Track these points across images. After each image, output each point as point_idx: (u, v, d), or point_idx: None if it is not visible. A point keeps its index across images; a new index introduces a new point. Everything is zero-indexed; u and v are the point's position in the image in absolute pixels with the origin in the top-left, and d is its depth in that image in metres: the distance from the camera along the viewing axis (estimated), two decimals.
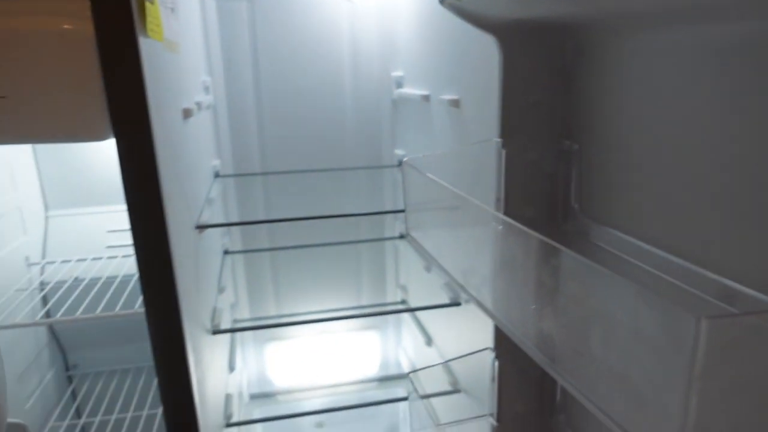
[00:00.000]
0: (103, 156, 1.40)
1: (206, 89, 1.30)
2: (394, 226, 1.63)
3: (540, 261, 0.47)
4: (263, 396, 1.66)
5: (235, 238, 1.55)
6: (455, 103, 1.03)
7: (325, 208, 1.54)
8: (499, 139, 0.67)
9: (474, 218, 0.58)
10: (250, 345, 1.66)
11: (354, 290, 1.68)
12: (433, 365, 0.83)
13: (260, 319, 1.63)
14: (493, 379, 0.78)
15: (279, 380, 1.67)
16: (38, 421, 1.27)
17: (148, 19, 0.73)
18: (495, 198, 0.74)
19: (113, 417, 1.37)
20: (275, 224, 1.53)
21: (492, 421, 0.81)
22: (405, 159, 0.67)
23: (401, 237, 1.60)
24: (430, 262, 0.63)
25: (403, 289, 1.65)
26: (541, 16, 0.60)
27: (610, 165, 0.62)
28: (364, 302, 1.69)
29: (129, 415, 1.35)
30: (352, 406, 1.33)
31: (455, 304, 1.15)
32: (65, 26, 0.72)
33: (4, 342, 1.15)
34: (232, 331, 1.32)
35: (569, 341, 0.44)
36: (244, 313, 1.62)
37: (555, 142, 0.67)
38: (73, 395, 1.45)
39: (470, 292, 0.53)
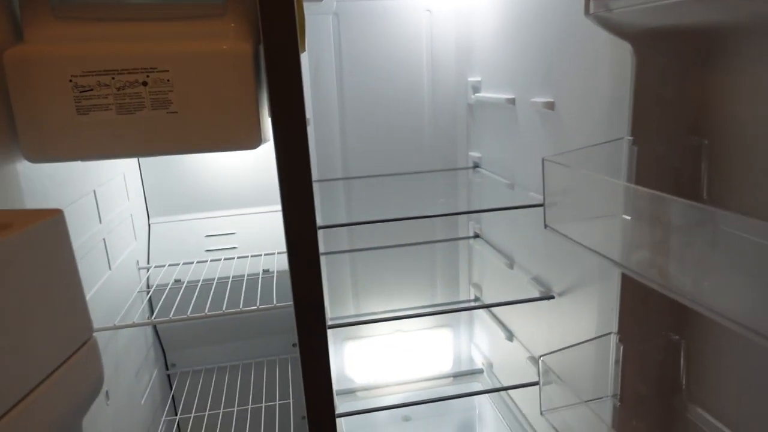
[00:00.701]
0: (199, 166, 1.49)
1: None
2: (467, 226, 1.69)
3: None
4: (344, 393, 1.73)
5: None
6: (549, 106, 1.08)
7: (403, 209, 1.60)
8: (630, 137, 0.73)
9: (621, 205, 0.63)
10: (330, 343, 1.73)
11: (428, 289, 1.74)
12: (562, 348, 0.88)
13: (341, 318, 1.70)
14: (617, 361, 0.83)
15: (358, 377, 1.74)
16: (149, 417, 1.36)
17: (302, 30, 0.80)
18: None
19: (206, 413, 1.44)
20: (355, 227, 1.60)
21: (615, 402, 0.86)
22: (544, 157, 0.72)
23: (475, 236, 1.66)
24: (575, 247, 0.68)
25: (477, 287, 1.70)
26: (678, 22, 0.65)
27: (738, 160, 0.67)
28: (439, 300, 1.75)
29: (221, 411, 1.43)
30: (442, 398, 1.39)
31: (548, 297, 1.20)
32: (225, 47, 0.80)
33: (124, 341, 1.24)
34: (343, 326, 1.39)
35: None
36: (327, 315, 1.69)
37: (683, 138, 0.72)
38: (172, 393, 1.53)
39: (633, 269, 0.58)
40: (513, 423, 1.41)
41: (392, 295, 1.72)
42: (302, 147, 0.77)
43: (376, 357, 1.74)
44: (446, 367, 1.78)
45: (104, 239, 1.16)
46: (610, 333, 0.84)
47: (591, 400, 0.87)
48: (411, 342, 1.76)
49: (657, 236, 0.55)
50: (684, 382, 0.82)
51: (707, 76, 0.70)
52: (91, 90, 0.76)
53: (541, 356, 0.87)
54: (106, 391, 1.07)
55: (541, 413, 0.87)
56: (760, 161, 0.65)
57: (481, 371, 1.73)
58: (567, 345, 1.00)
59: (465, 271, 1.74)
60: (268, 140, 0.86)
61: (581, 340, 0.98)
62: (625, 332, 0.83)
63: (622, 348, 0.82)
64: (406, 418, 1.62)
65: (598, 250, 0.64)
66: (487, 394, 1.61)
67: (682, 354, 0.80)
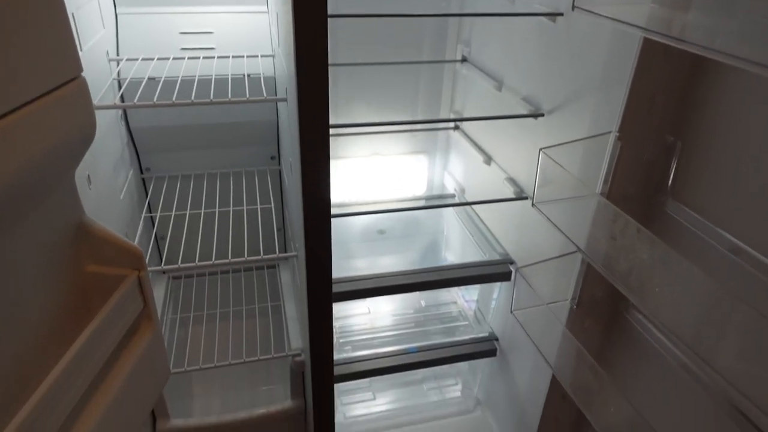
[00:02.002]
0: None
1: None
2: (456, 49, 1.63)
3: None
4: None
5: None
6: None
7: (388, 29, 1.52)
8: (617, 133, 0.78)
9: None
10: None
11: (409, 112, 1.72)
12: (561, 144, 0.91)
13: None
14: (611, 160, 0.87)
15: (333, 196, 1.77)
16: (128, 213, 1.35)
17: None
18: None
19: (187, 212, 1.45)
20: (338, 38, 1.52)
21: (602, 199, 0.91)
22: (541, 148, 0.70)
23: (463, 60, 1.61)
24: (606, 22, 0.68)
25: (457, 114, 1.70)
26: None
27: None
28: (419, 125, 1.75)
29: (202, 211, 1.43)
30: (418, 207, 1.45)
31: (537, 115, 1.21)
32: None
33: (101, 132, 1.18)
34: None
35: None
36: None
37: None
38: (147, 194, 1.52)
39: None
40: (480, 239, 1.50)
41: (370, 116, 1.70)
42: None
43: (351, 178, 1.76)
44: (420, 191, 1.84)
45: (72, 14, 1.05)
46: (610, 132, 0.86)
47: (577, 197, 0.92)
48: (387, 165, 1.78)
49: None
50: (670, 182, 0.87)
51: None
52: None
53: (541, 148, 0.89)
54: (88, 175, 1.04)
55: (533, 204, 0.92)
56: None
57: (453, 196, 1.79)
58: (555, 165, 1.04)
59: (447, 99, 1.72)
60: None
61: (569, 159, 1.02)
62: (624, 131, 0.85)
63: (619, 146, 0.85)
64: (381, 232, 1.70)
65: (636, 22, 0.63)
66: (456, 215, 1.69)
67: (675, 155, 0.84)
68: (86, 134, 0.64)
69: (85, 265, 0.71)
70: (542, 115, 1.20)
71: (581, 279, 1.02)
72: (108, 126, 1.23)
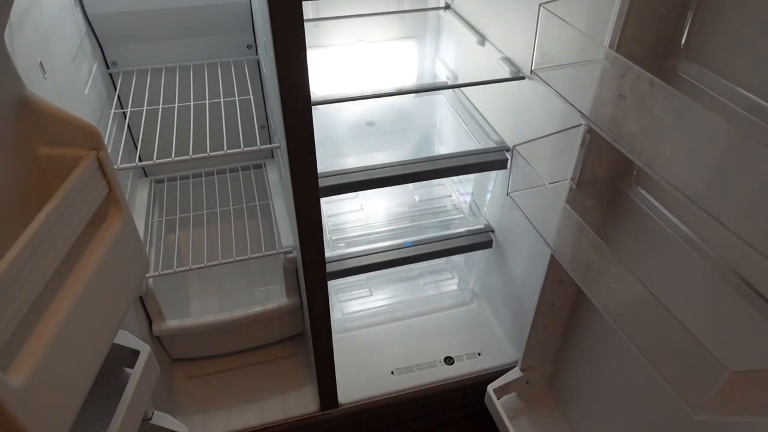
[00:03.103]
0: None
1: None
2: None
3: None
4: None
5: None
6: None
7: None
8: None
9: None
10: None
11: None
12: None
13: None
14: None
15: (317, 89, 1.66)
16: (97, 110, 1.26)
17: None
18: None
19: (160, 107, 1.34)
20: None
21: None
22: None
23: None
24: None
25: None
26: None
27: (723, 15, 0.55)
28: (406, 7, 1.60)
29: (176, 105, 1.33)
30: (406, 91, 1.36)
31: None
32: None
33: (50, 13, 1.06)
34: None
35: None
36: None
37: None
38: (117, 92, 1.41)
39: None
40: (475, 128, 1.42)
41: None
42: None
43: (336, 67, 1.65)
44: (410, 81, 1.73)
45: None
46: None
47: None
48: (374, 53, 1.66)
49: None
50: (684, 39, 0.78)
51: None
52: None
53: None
54: (40, 62, 0.94)
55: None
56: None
57: (445, 83, 1.69)
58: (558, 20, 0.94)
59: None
60: None
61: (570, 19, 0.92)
62: None
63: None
64: (370, 123, 1.61)
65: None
66: (449, 102, 1.59)
67: (691, 6, 0.75)
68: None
69: (35, 147, 0.63)
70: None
71: (582, 157, 0.96)
72: (58, 8, 1.11)
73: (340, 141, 1.64)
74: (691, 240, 0.84)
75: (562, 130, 0.92)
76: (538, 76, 0.82)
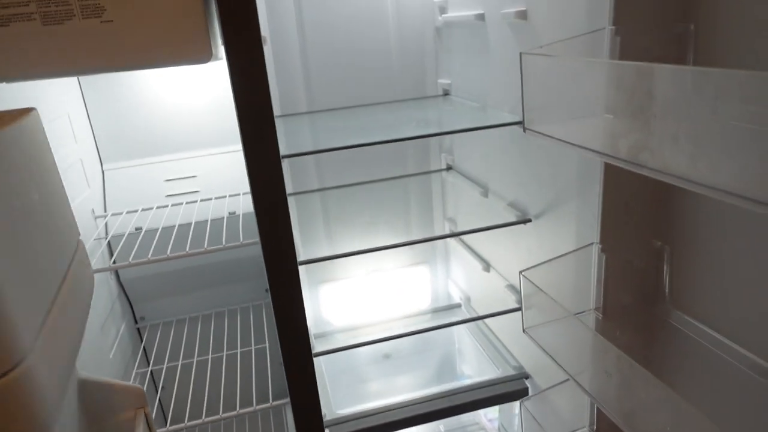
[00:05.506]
0: (153, 106, 1.39)
1: None
2: (440, 158, 1.64)
3: None
4: (323, 336, 1.70)
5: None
6: (521, 15, 1.02)
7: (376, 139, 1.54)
8: (612, 27, 0.68)
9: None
10: (304, 287, 1.69)
11: (403, 227, 1.70)
12: (543, 262, 0.84)
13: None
14: (599, 272, 0.81)
15: (336, 320, 1.71)
16: (120, 371, 1.30)
17: None
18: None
19: (179, 363, 1.39)
20: (324, 164, 1.54)
21: (597, 315, 0.84)
22: (522, 52, 0.67)
23: (448, 168, 1.62)
24: (555, 145, 0.64)
25: (452, 221, 1.67)
26: None
27: (727, 47, 0.63)
28: (414, 237, 1.71)
29: (195, 360, 1.38)
30: (418, 331, 1.36)
31: (525, 221, 1.17)
32: None
33: None
34: (315, 261, 1.33)
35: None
36: (299, 255, 1.64)
37: (669, 25, 0.67)
38: (143, 345, 1.48)
39: (621, 156, 0.54)
40: (493, 353, 1.41)
41: (366, 234, 1.68)
42: (257, 62, 0.70)
43: (353, 298, 1.71)
44: (424, 304, 1.77)
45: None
46: (592, 244, 0.81)
47: (574, 315, 0.85)
48: (388, 281, 1.73)
49: (647, 115, 0.50)
50: (667, 289, 0.80)
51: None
52: None
53: (521, 271, 0.83)
54: None
55: (524, 330, 0.85)
56: (749, 51, 0.61)
57: (459, 306, 1.72)
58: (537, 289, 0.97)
59: (439, 207, 1.71)
60: (221, 58, 0.78)
61: (558, 272, 0.95)
62: (607, 241, 0.80)
63: (604, 258, 0.79)
64: (387, 356, 1.61)
65: (582, 144, 0.60)
66: (466, 327, 1.60)
67: (665, 260, 0.78)
68: (89, 293, 0.65)
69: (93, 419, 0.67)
70: (530, 220, 1.16)
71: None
72: (96, 284, 1.22)
73: (359, 369, 1.64)
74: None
75: (562, 382, 0.89)
76: (529, 336, 0.83)
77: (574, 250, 0.82)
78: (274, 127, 0.74)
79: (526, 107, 0.69)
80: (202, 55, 0.75)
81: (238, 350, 1.35)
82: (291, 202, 1.58)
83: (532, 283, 0.77)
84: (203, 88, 1.40)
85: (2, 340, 0.40)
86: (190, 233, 1.20)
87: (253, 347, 1.34)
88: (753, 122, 0.40)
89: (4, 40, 0.68)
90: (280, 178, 0.78)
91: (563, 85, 0.63)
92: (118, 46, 0.71)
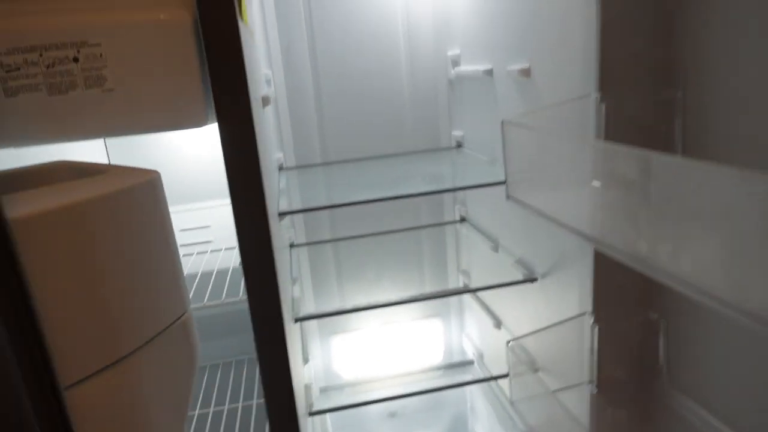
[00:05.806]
0: (166, 159, 1.44)
1: (268, 81, 1.33)
2: (453, 210, 1.63)
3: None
4: (332, 389, 1.68)
5: (298, 231, 1.58)
6: (525, 73, 1.02)
7: (385, 193, 1.55)
8: (597, 94, 0.67)
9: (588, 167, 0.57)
10: (315, 338, 1.68)
11: (416, 279, 1.68)
12: (531, 333, 0.82)
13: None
14: (592, 345, 0.78)
15: (346, 373, 1.69)
16: None
17: (242, 2, 0.75)
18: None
19: (211, 410, 1.39)
20: (337, 215, 1.55)
21: (592, 388, 0.80)
22: (503, 120, 0.67)
23: (461, 220, 1.61)
24: (542, 217, 0.63)
25: (465, 274, 1.65)
26: None
27: (715, 111, 0.62)
28: (427, 290, 1.69)
29: (196, 413, 1.37)
30: (422, 392, 1.33)
31: (531, 280, 1.15)
32: (162, 17, 0.75)
33: None
34: (315, 317, 1.33)
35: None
36: (310, 307, 1.64)
37: (655, 93, 0.66)
38: None
39: (602, 241, 0.53)
40: (502, 414, 1.36)
41: (379, 285, 1.67)
42: (246, 124, 0.72)
43: (364, 351, 1.69)
44: (437, 359, 1.73)
45: None
46: (583, 314, 0.78)
47: (564, 389, 0.82)
48: (400, 334, 1.71)
49: (629, 201, 0.49)
50: (664, 365, 0.76)
51: (679, 20, 0.64)
52: (19, 69, 0.71)
53: (509, 341, 0.81)
54: None
55: (511, 403, 0.81)
56: (738, 111, 0.59)
57: (471, 362, 1.67)
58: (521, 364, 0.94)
59: (453, 259, 1.69)
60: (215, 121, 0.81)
61: (555, 339, 0.91)
62: (599, 312, 0.77)
63: (597, 329, 0.76)
64: (392, 415, 1.57)
65: (566, 222, 0.59)
66: (478, 385, 1.55)
67: (660, 334, 0.75)
68: (192, 368, 0.71)
69: None
70: (536, 279, 1.13)
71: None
72: None
73: (367, 424, 1.60)
74: None
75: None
76: (516, 409, 0.80)
77: (564, 321, 0.80)
78: (262, 190, 0.76)
79: (509, 174, 0.68)
80: (198, 120, 0.78)
81: (240, 404, 1.34)
82: (303, 252, 1.60)
83: (515, 354, 0.74)
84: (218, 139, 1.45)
85: None
86: (195, 285, 1.22)
87: (254, 401, 1.33)
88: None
89: (12, 110, 0.73)
90: (267, 238, 0.79)
91: (543, 157, 0.63)
92: (118, 113, 0.74)
